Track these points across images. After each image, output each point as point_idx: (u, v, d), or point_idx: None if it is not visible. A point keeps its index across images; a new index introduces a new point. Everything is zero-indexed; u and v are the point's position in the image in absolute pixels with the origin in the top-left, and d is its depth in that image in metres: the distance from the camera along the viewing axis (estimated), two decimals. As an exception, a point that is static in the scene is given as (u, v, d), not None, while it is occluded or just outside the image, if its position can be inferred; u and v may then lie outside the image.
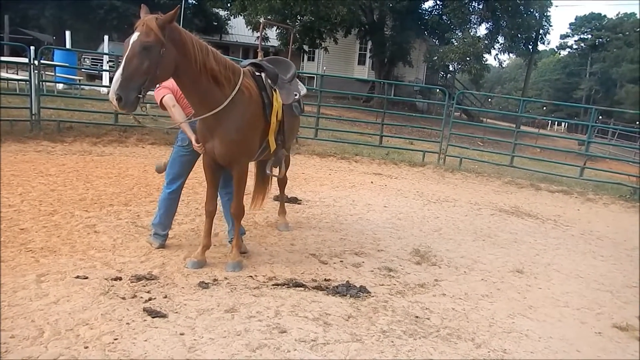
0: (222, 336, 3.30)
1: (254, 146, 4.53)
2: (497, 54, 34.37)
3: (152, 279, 4.07)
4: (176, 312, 3.56)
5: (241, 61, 4.85)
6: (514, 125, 19.25)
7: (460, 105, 23.24)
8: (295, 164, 10.14)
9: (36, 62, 10.20)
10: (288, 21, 26.29)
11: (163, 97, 4.49)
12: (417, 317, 3.99)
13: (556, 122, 45.46)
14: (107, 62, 17.19)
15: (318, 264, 4.91)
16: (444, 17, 29.90)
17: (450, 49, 27.08)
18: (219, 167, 4.54)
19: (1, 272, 3.86)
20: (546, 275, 5.47)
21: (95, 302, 3.56)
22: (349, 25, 27.78)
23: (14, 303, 3.43)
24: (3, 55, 16.72)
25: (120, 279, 4.02)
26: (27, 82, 10.38)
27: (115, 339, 3.12)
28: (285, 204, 6.54)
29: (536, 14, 30.63)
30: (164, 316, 3.47)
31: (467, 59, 27.00)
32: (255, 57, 5.73)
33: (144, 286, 3.93)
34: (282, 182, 6.11)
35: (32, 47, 10.46)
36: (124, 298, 3.69)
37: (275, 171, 5.30)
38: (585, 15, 69.75)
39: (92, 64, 19.90)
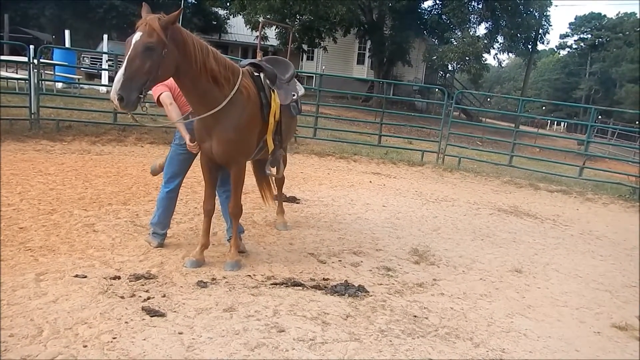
0: (221, 335, 3.30)
1: (251, 146, 4.53)
2: (496, 54, 34.39)
3: (151, 278, 4.07)
4: (175, 311, 3.56)
5: (240, 60, 4.85)
6: (513, 125, 19.27)
7: (459, 105, 23.27)
8: (294, 163, 10.16)
9: (35, 61, 10.19)
10: (287, 20, 26.27)
11: (160, 94, 4.49)
12: (415, 316, 3.99)
13: (555, 122, 45.48)
14: (107, 61, 17.18)
15: (316, 264, 4.91)
16: (444, 17, 29.89)
17: (450, 48, 27.07)
18: (217, 166, 4.54)
19: (1, 271, 3.86)
20: (545, 275, 5.47)
21: (94, 301, 3.56)
22: (348, 25, 27.75)
23: (13, 302, 3.43)
24: (3, 54, 16.69)
25: (119, 278, 4.02)
26: (27, 81, 10.38)
27: (114, 338, 3.12)
28: (284, 203, 6.55)
29: (536, 14, 30.65)
30: (162, 315, 3.47)
31: (467, 58, 27.02)
32: (255, 56, 5.73)
33: (143, 285, 3.93)
34: (280, 182, 6.11)
35: (31, 46, 10.45)
36: (122, 297, 3.69)
37: (274, 171, 5.30)
38: (585, 15, 69.80)
39: (92, 63, 19.87)
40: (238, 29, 37.57)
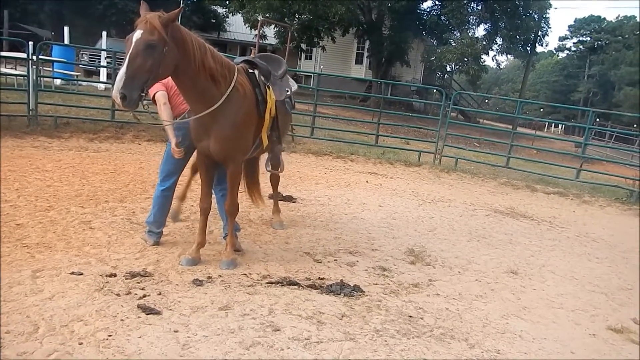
0: (216, 334, 3.31)
1: (248, 143, 4.55)
2: (495, 55, 34.39)
3: (147, 276, 4.07)
4: (170, 309, 3.56)
5: (235, 58, 4.86)
6: (511, 127, 19.31)
7: (457, 106, 23.26)
8: (291, 162, 10.16)
9: (34, 58, 10.18)
10: (286, 19, 26.29)
11: (156, 92, 4.50)
12: (410, 316, 4.00)
13: (553, 124, 45.58)
14: (105, 58, 17.15)
15: (312, 263, 4.92)
16: (443, 18, 29.92)
17: (448, 49, 27.11)
18: (214, 164, 4.55)
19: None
20: (541, 277, 5.48)
21: (89, 299, 3.57)
22: (347, 25, 27.79)
23: (10, 298, 3.43)
24: (2, 51, 16.68)
25: (115, 275, 4.02)
26: (25, 78, 10.36)
27: (110, 336, 3.12)
28: (281, 202, 6.57)
29: (535, 16, 30.67)
30: (158, 313, 3.47)
31: (465, 59, 27.06)
32: (250, 54, 5.75)
33: (139, 283, 3.94)
34: (275, 180, 6.12)
35: (30, 43, 10.44)
36: (118, 294, 3.69)
37: (274, 167, 5.33)
38: (584, 17, 70.02)
39: (90, 60, 19.84)
40: (237, 27, 37.60)
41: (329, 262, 5.01)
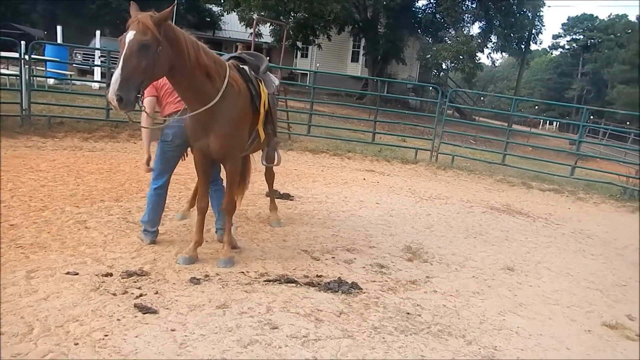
0: (214, 332, 3.29)
1: (245, 139, 4.55)
2: (490, 53, 34.53)
3: (143, 275, 4.05)
4: (167, 308, 3.54)
5: (222, 54, 4.85)
6: (506, 124, 19.34)
7: (453, 104, 23.31)
8: (288, 160, 10.15)
9: (27, 57, 10.12)
10: (282, 18, 26.23)
11: (144, 98, 4.48)
12: (408, 313, 3.99)
13: (548, 121, 45.76)
14: (99, 57, 17.08)
15: (310, 260, 4.91)
16: (438, 16, 29.89)
17: (444, 47, 27.14)
18: (211, 163, 4.54)
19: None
20: (537, 273, 5.49)
21: (85, 298, 3.54)
22: (342, 23, 27.77)
23: (4, 299, 3.40)
24: (-6, 50, 16.55)
25: (111, 275, 3.99)
26: (18, 77, 10.30)
27: (106, 335, 3.10)
28: (278, 200, 6.55)
29: (529, 14, 30.78)
30: (155, 312, 3.45)
31: (460, 57, 27.10)
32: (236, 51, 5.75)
33: (135, 282, 3.91)
34: (270, 178, 6.12)
35: (23, 42, 10.37)
36: (114, 294, 3.66)
37: (270, 161, 5.32)
38: (577, 16, 70.25)
39: (84, 59, 19.74)
40: (232, 25, 37.46)
41: (326, 259, 5.00)
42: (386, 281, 4.64)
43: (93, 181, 6.87)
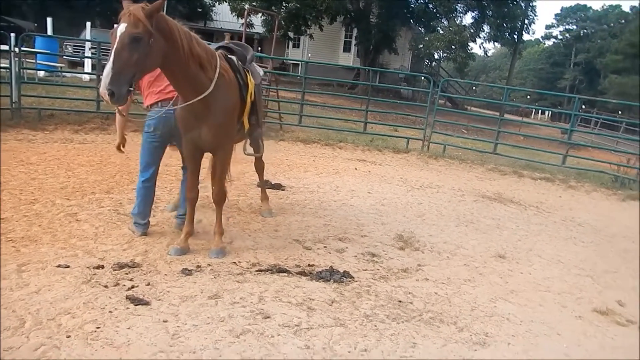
0: (206, 322, 3.30)
1: (235, 129, 4.54)
2: (482, 43, 34.77)
3: (135, 267, 4.05)
4: (159, 300, 3.54)
5: (210, 44, 4.83)
6: (498, 114, 19.37)
7: (445, 93, 23.30)
8: (280, 150, 10.17)
9: (17, 50, 10.02)
10: (273, 8, 26.09)
11: None
12: (400, 301, 4.02)
13: (540, 111, 45.84)
14: (90, 49, 16.92)
15: (302, 250, 4.92)
16: (430, 6, 29.78)
17: (436, 37, 27.08)
18: (201, 154, 4.53)
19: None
20: (528, 261, 5.54)
21: (77, 291, 3.53)
22: (334, 13, 27.62)
23: (-6, 292, 3.39)
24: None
25: (103, 267, 3.98)
26: (8, 70, 10.19)
27: (98, 328, 3.10)
28: (269, 190, 6.56)
29: (522, 4, 30.76)
30: (146, 304, 3.45)
31: (453, 47, 27.06)
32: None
33: (127, 274, 3.91)
34: (260, 168, 6.12)
35: (12, 34, 10.25)
36: (106, 286, 3.66)
37: (253, 150, 5.32)
38: (570, 6, 70.58)
39: (74, 51, 19.54)
40: (224, 16, 37.14)
41: (318, 249, 5.01)
42: (378, 270, 4.66)
43: (84, 173, 6.84)
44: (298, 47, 35.28)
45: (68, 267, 3.91)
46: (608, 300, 4.70)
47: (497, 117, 16.23)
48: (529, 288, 4.74)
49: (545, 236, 6.68)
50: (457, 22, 28.88)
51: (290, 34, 30.36)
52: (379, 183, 8.59)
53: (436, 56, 34.03)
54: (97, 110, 10.52)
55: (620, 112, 37.80)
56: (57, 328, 3.06)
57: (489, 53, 56.82)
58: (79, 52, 19.15)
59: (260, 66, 6.64)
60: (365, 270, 4.61)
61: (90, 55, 16.28)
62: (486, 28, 30.78)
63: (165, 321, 3.26)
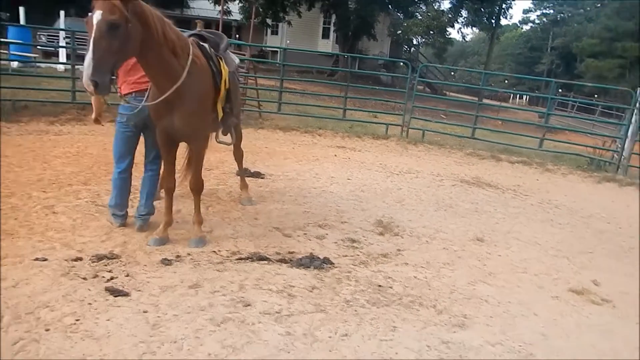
0: (186, 312, 3.30)
1: (209, 117, 4.49)
2: (460, 28, 34.68)
3: (114, 258, 4.02)
4: (139, 290, 3.53)
5: (184, 32, 4.77)
6: (477, 98, 19.51)
7: (424, 79, 23.40)
8: (259, 138, 10.11)
9: (-13, 40, 9.78)
10: (250, -6, 25.84)
11: None
12: (380, 286, 4.06)
13: (518, 95, 46.26)
14: (64, 39, 16.57)
15: (282, 237, 4.93)
16: (408, -9, 29.87)
17: (414, 22, 27.16)
18: (175, 142, 4.48)
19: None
20: (505, 243, 5.63)
21: (55, 284, 3.50)
22: (312, -1, 27.51)
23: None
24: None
25: (81, 259, 3.95)
26: (-22, 61, 9.95)
27: (77, 320, 3.08)
28: (249, 178, 6.55)
29: (498, -12, 30.91)
30: (126, 295, 3.44)
31: (431, 32, 27.20)
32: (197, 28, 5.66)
33: (106, 265, 3.88)
34: (239, 156, 6.09)
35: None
36: (85, 278, 3.63)
37: (226, 139, 5.28)
38: (548, -9, 70.61)
39: (49, 41, 19.13)
40: (200, 3, 36.65)
41: (298, 236, 5.03)
42: (358, 255, 4.70)
43: (60, 165, 6.73)
44: (277, 34, 35.07)
45: (46, 260, 3.86)
46: (584, 280, 4.83)
47: (475, 102, 16.35)
48: (507, 270, 4.83)
49: (523, 219, 6.79)
50: (435, 7, 29.01)
51: (269, 21, 30.15)
52: (358, 169, 8.63)
53: (415, 42, 34.17)
54: (72, 101, 10.32)
55: (596, 96, 38.40)
56: (35, 322, 3.03)
57: (467, 38, 57.12)
58: (53, 41, 18.75)
59: (238, 54, 6.58)
60: (345, 256, 4.65)
61: (64, 45, 15.94)
62: (464, 13, 30.97)
63: (145, 312, 3.25)
